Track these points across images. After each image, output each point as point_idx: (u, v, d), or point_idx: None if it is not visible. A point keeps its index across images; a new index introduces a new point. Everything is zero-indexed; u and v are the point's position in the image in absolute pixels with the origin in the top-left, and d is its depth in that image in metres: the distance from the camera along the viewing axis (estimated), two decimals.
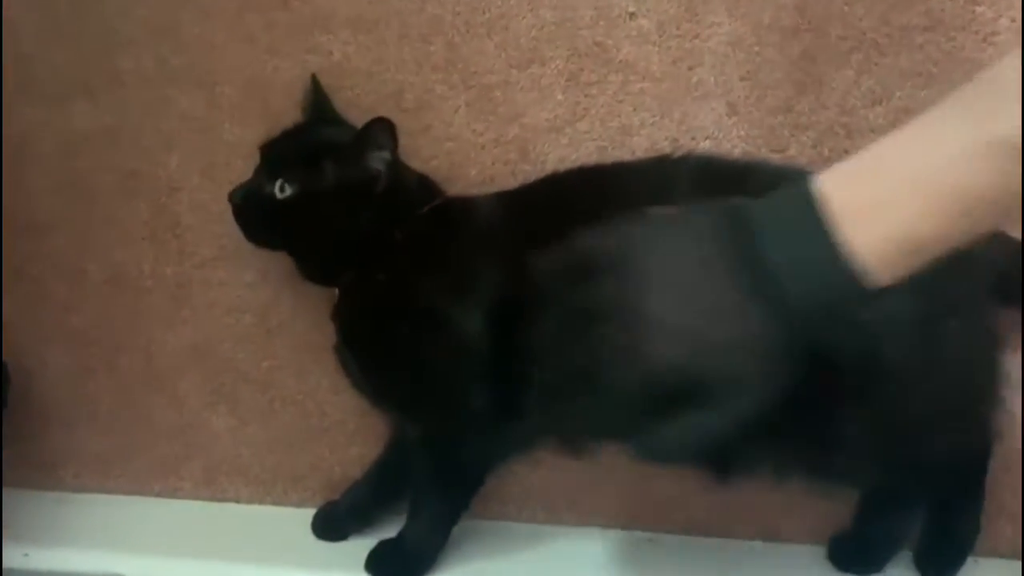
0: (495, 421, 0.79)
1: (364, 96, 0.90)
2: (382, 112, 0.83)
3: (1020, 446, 0.85)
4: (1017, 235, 0.72)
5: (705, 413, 0.52)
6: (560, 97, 0.88)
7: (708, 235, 0.51)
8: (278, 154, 0.82)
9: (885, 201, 0.47)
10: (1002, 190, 0.46)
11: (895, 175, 0.48)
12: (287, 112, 0.90)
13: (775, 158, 0.85)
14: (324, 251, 0.82)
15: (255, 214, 0.81)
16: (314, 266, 0.84)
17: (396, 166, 0.80)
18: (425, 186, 0.86)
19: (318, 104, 0.86)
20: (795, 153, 0.86)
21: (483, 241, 0.81)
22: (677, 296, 0.51)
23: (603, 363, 0.53)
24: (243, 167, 0.90)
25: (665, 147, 0.86)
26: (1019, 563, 0.89)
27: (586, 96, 0.88)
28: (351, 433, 0.97)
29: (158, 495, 1.01)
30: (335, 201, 0.79)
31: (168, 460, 1.01)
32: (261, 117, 0.90)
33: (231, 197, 0.81)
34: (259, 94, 0.91)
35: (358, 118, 0.89)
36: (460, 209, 0.84)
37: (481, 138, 0.90)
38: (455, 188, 0.89)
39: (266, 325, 0.97)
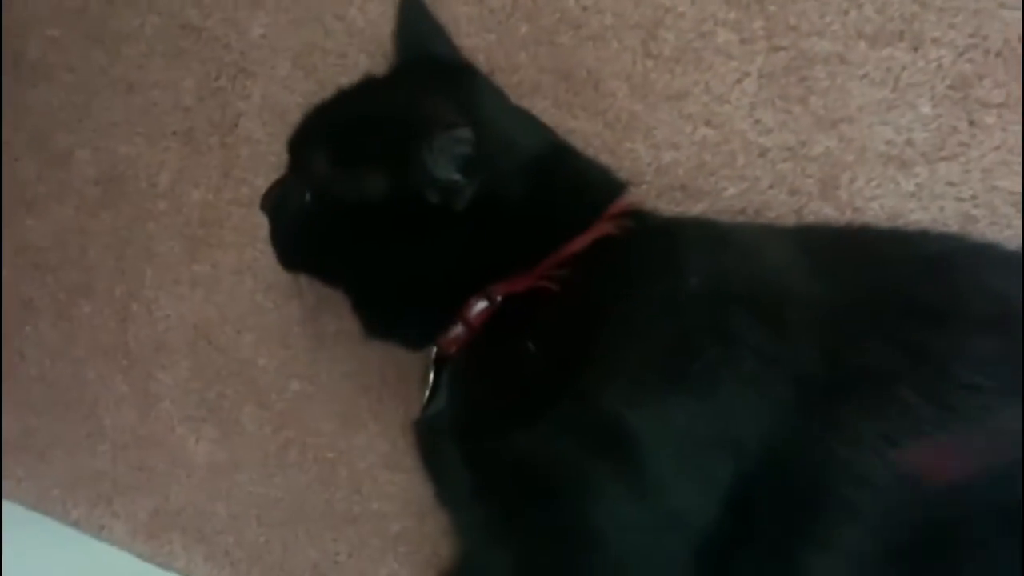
0: None
1: (585, 23, 0.59)
2: (613, 48, 0.60)
3: None
4: None
5: None
6: (927, 111, 0.57)
7: None
8: (308, 137, 0.58)
9: None
10: None
11: None
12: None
13: None
14: (381, 297, 0.56)
15: (282, 230, 0.58)
16: (373, 317, 0.58)
17: (500, 167, 0.52)
18: (590, 185, 0.57)
19: (417, 34, 0.60)
20: None
21: (720, 304, 0.49)
22: None
23: None
24: (365, 63, 0.62)
25: None
26: None
27: (971, 123, 0.56)
28: (391, 538, 0.67)
29: (74, 524, 0.73)
30: (381, 217, 0.53)
31: (104, 482, 0.72)
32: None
33: (261, 204, 0.59)
34: None
35: (558, 51, 0.61)
36: (672, 238, 0.54)
37: (765, 138, 0.59)
38: (692, 206, 0.60)
39: (317, 328, 0.68)
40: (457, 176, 0.50)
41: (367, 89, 0.57)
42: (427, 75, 0.58)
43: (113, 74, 0.67)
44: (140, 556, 0.72)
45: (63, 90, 0.69)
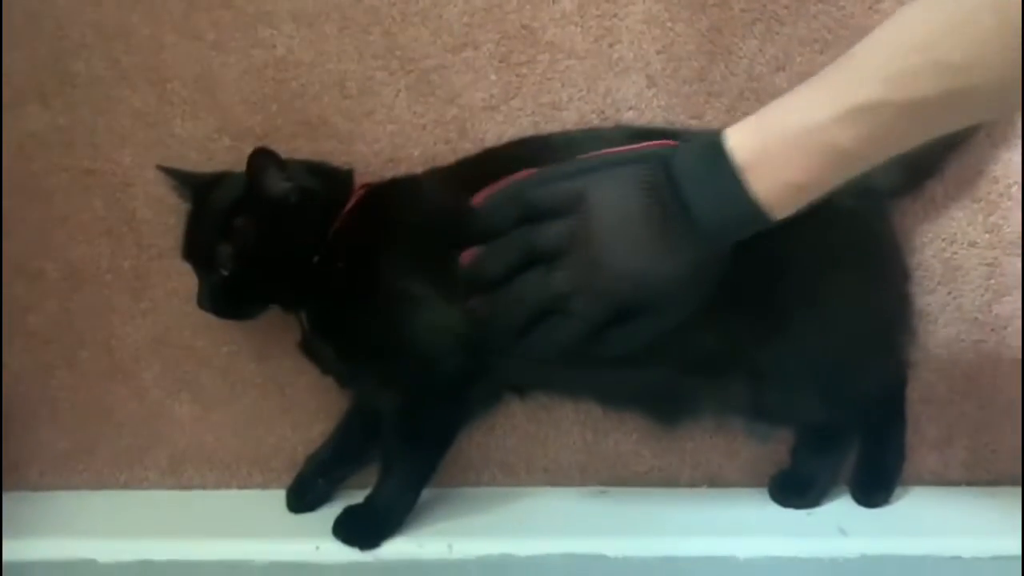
0: (465, 381, 0.84)
1: (308, 86, 0.96)
2: (326, 100, 0.94)
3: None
4: None
5: (644, 323, 0.66)
6: (493, 78, 0.93)
7: (639, 179, 0.63)
8: (197, 247, 0.86)
9: (775, 154, 0.59)
10: (864, 147, 0.57)
11: (783, 133, 0.59)
12: (234, 105, 0.97)
13: (693, 124, 0.91)
14: (291, 282, 0.86)
15: (230, 302, 0.85)
16: (292, 296, 0.88)
17: (296, 175, 0.85)
18: (340, 175, 0.91)
19: (186, 181, 0.90)
20: (711, 119, 0.91)
21: (427, 216, 0.85)
22: (616, 235, 0.64)
23: (556, 298, 0.66)
24: (195, 160, 0.96)
25: (593, 119, 0.92)
26: (943, 490, 0.98)
27: (517, 76, 0.92)
28: (312, 412, 0.99)
29: (124, 486, 1.02)
30: (271, 240, 0.84)
31: (132, 451, 1.01)
32: (210, 110, 0.95)
33: (201, 306, 0.85)
34: (208, 89, 0.95)
35: (302, 107, 0.96)
36: (391, 191, 0.90)
37: (421, 120, 0.94)
38: (399, 168, 0.94)
39: None
40: (287, 184, 0.82)
41: (198, 213, 0.87)
42: (219, 177, 0.88)
43: (59, 208, 0.99)
44: (172, 488, 1.00)
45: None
